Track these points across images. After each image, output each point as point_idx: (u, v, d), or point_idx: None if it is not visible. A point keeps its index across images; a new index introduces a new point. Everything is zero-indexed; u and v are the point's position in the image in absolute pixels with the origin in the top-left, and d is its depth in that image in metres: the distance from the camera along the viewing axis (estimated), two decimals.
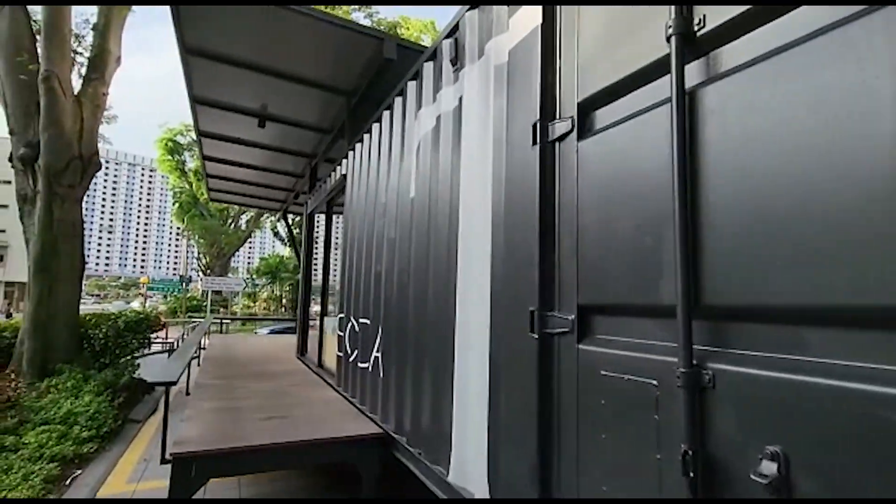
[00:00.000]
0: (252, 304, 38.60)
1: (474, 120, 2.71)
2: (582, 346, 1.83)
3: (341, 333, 5.36)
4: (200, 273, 39.74)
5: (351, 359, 4.89)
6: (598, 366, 1.74)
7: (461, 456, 2.61)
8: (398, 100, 4.10)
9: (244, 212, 39.42)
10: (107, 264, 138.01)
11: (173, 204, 37.77)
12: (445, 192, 3.05)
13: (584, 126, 1.93)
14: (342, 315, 5.40)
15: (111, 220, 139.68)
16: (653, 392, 1.51)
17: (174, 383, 3.22)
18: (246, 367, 7.04)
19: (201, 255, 40.05)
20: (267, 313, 36.96)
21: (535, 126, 2.10)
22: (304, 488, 4.61)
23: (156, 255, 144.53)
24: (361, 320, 4.61)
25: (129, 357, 8.45)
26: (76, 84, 8.02)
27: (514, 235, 2.21)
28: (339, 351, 5.40)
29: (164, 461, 3.21)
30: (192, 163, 36.28)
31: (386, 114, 4.40)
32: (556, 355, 1.95)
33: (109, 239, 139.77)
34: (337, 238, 8.63)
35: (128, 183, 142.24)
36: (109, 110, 10.63)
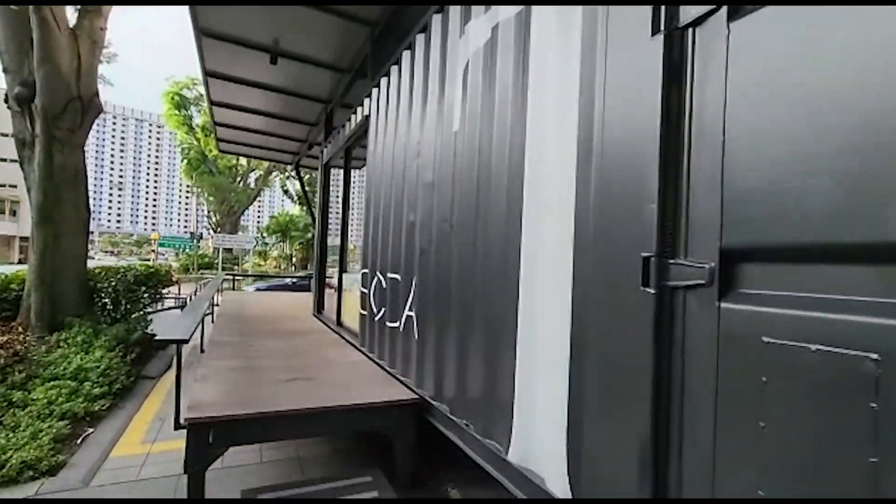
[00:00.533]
0: (263, 263, 38.64)
1: (551, 18, 2.16)
2: (726, 304, 1.36)
3: (365, 290, 4.96)
4: (211, 231, 39.67)
5: (377, 317, 4.50)
6: (756, 330, 1.28)
7: (527, 432, 2.21)
8: (436, 18, 3.51)
9: (253, 169, 38.90)
10: (118, 221, 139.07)
11: (182, 161, 37.31)
12: (503, 119, 2.53)
13: None
14: (366, 271, 4.98)
15: (121, 176, 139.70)
16: (870, 370, 1.05)
17: (186, 341, 2.86)
18: (262, 325, 6.72)
19: (211, 213, 39.87)
20: (278, 271, 37.04)
21: (656, 8, 1.56)
22: (332, 454, 4.32)
23: (166, 212, 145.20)
24: (390, 276, 4.18)
25: (140, 312, 8.18)
26: (72, 20, 7.40)
27: (617, 162, 1.71)
28: (363, 309, 5.02)
29: (178, 426, 2.86)
30: (199, 118, 35.56)
31: (420, 38, 3.81)
32: (682, 315, 1.48)
33: (120, 196, 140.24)
34: (356, 189, 8.16)
35: (136, 139, 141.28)
36: (109, 48, 9.97)
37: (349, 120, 6.22)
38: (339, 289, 6.62)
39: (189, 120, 35.81)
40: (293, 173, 39.07)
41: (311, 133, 9.61)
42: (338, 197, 8.30)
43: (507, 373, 2.35)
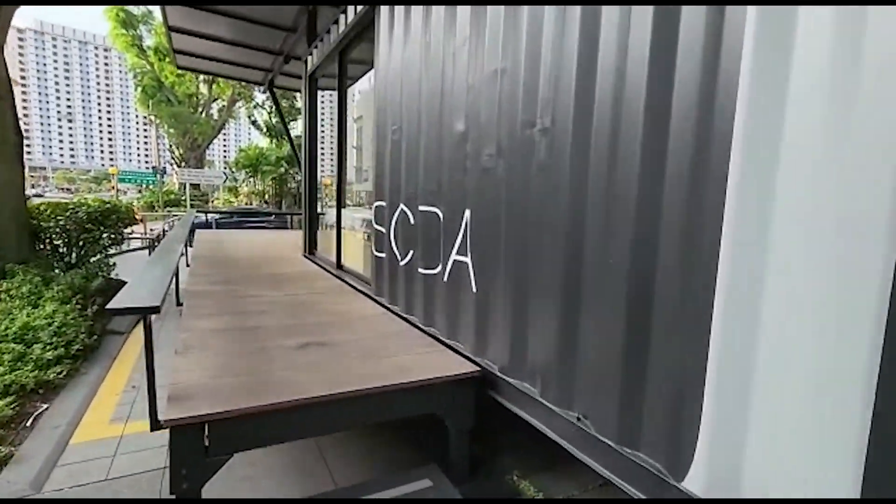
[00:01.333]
0: (233, 199, 36.74)
1: None
2: None
3: (381, 228, 3.99)
4: (174, 166, 37.20)
5: (403, 262, 3.58)
6: None
7: (734, 453, 1.39)
8: None
9: (215, 98, 35.91)
10: (72, 156, 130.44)
11: (135, 88, 34.08)
12: None
13: None
14: (381, 203, 3.99)
15: (69, 107, 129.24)
16: None
17: (157, 309, 1.92)
18: (247, 269, 5.73)
19: (173, 147, 37.19)
20: (248, 208, 35.34)
21: None
22: (370, 448, 3.53)
23: (124, 146, 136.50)
24: (423, 209, 3.22)
25: (101, 255, 7.04)
26: None
27: None
28: (378, 251, 4.08)
29: (155, 427, 1.96)
30: (150, 39, 32.12)
31: None
32: None
33: (71, 128, 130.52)
34: (355, 101, 6.91)
35: (81, 65, 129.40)
36: None
37: (343, 13, 4.94)
38: (339, 227, 5.62)
39: (139, 40, 32.37)
40: (261, 103, 36.31)
41: (286, 42, 8.11)
42: (330, 116, 7.09)
43: (690, 368, 1.50)
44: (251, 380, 2.35)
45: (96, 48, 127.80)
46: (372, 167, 4.20)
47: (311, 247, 6.79)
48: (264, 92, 11.44)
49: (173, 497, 1.93)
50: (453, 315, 2.87)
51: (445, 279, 2.94)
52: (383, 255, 3.97)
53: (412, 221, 3.41)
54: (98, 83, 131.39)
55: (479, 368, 2.59)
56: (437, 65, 3.02)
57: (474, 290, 2.62)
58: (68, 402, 3.74)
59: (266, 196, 36.52)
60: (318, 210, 6.93)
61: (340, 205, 5.60)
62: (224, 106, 36.39)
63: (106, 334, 5.43)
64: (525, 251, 2.26)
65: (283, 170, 33.36)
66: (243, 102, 36.77)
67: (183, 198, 30.83)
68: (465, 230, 2.72)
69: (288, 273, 5.56)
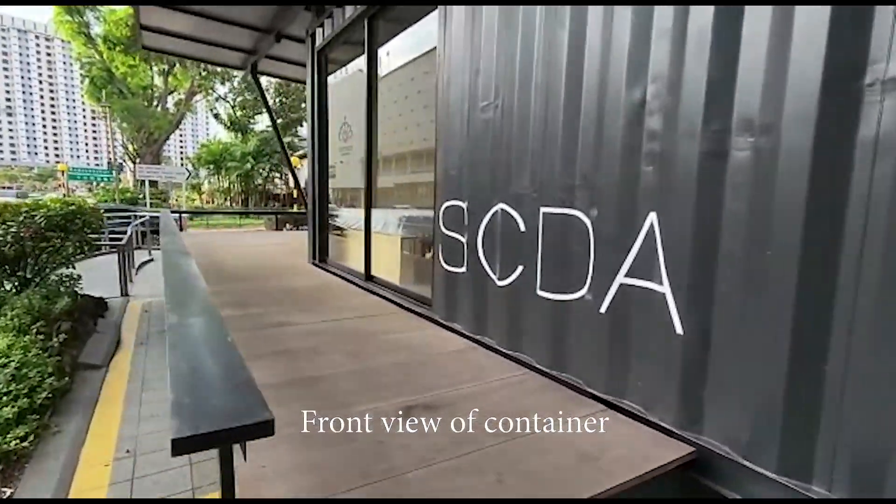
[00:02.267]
0: (196, 197, 34.65)
1: None
2: None
3: (455, 236, 3.10)
4: (129, 162, 34.74)
5: (503, 281, 2.69)
6: None
7: None
8: None
9: (172, 90, 33.60)
10: (13, 152, 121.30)
11: (83, 80, 31.52)
12: None
13: None
14: (454, 203, 3.10)
15: (8, 100, 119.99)
16: None
17: (268, 430, 1.02)
18: (256, 282, 4.70)
19: (127, 142, 34.71)
20: (215, 207, 33.41)
21: None
22: None
23: (71, 141, 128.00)
24: (551, 211, 2.34)
25: (64, 266, 5.80)
26: None
27: None
28: (450, 264, 3.18)
29: None
30: (99, 27, 29.70)
31: None
32: None
33: (11, 122, 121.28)
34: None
35: (21, 55, 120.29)
36: None
37: None
38: (368, 230, 4.66)
39: (86, 28, 29.93)
40: (223, 96, 34.24)
41: (277, 17, 7.01)
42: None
43: None
44: (353, 475, 1.44)
45: (37, 37, 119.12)
46: (440, 159, 3.28)
47: (320, 253, 5.78)
48: (245, 78, 10.18)
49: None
50: (624, 363, 2.03)
51: (603, 310, 2.08)
52: (460, 270, 3.08)
53: (522, 228, 2.54)
54: (40, 74, 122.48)
55: (691, 449, 1.76)
56: (580, 15, 2.15)
57: (679, 330, 1.78)
58: (38, 483, 2.68)
59: (231, 194, 34.57)
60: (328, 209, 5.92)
61: (370, 204, 4.64)
62: (181, 99, 34.09)
63: (79, 369, 4.30)
64: (786, 275, 1.45)
65: (249, 166, 31.58)
66: (203, 95, 34.58)
67: (140, 196, 28.65)
68: (651, 243, 1.87)
69: (307, 287, 4.57)
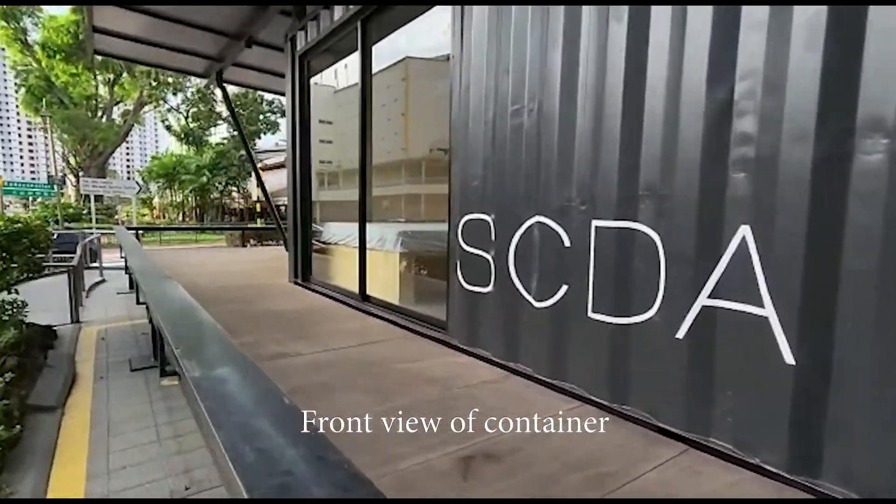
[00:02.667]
0: (146, 213, 32.86)
1: None
2: None
3: (478, 252, 2.81)
4: (70, 175, 32.63)
5: (543, 302, 2.41)
6: None
7: None
8: None
9: (118, 101, 31.89)
10: None
11: (18, 89, 29.50)
12: None
13: None
14: (476, 216, 2.82)
15: None
16: None
17: None
18: (238, 305, 4.23)
19: (69, 154, 32.67)
20: (168, 222, 31.78)
21: None
22: None
23: (2, 153, 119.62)
24: (606, 224, 2.10)
25: (6, 291, 5.10)
26: None
27: None
28: (471, 283, 2.88)
29: None
30: (37, 33, 27.98)
31: None
32: None
33: None
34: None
35: None
36: None
37: None
38: (363, 247, 4.30)
39: (23, 34, 28.16)
40: (175, 107, 32.79)
41: (249, 21, 6.58)
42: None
43: None
44: None
45: None
46: (456, 169, 2.99)
47: (303, 271, 5.35)
48: (207, 87, 9.58)
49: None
50: (707, 395, 1.78)
51: (680, 335, 1.84)
52: (485, 289, 2.78)
53: (567, 243, 2.28)
54: None
55: (810, 497, 1.52)
56: (642, 11, 1.94)
57: (788, 358, 1.56)
58: None
59: (185, 208, 33.01)
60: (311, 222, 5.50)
61: (365, 217, 4.29)
62: (129, 110, 32.37)
63: (29, 412, 3.69)
64: None
65: (205, 179, 30.28)
66: (153, 106, 32.97)
67: (84, 212, 26.76)
68: (743, 261, 1.65)
69: (297, 310, 4.15)
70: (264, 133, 35.20)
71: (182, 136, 32.93)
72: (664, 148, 1.88)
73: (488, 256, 2.76)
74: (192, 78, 31.42)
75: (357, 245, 4.58)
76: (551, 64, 2.32)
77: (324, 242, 5.34)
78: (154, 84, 29.70)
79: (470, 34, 2.82)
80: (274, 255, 8.70)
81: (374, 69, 4.39)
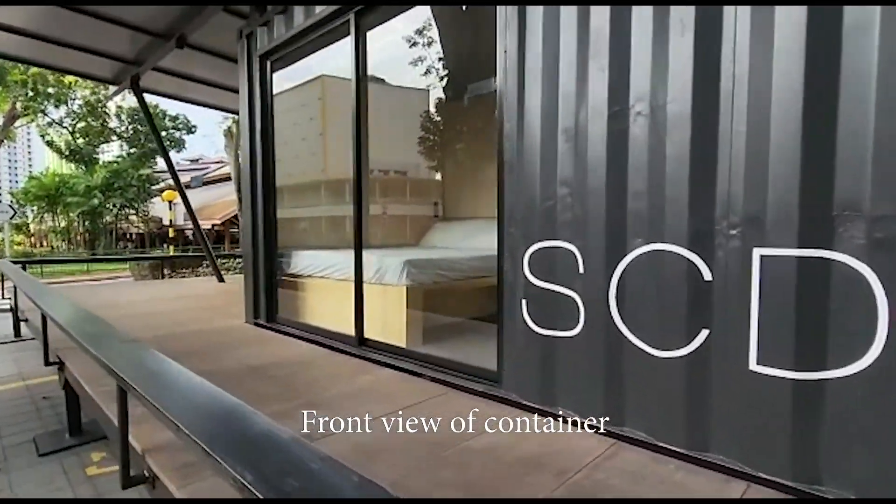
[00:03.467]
0: (23, 240, 28.35)
1: None
2: None
3: (561, 289, 2.25)
4: None
5: (678, 351, 1.89)
6: None
7: None
8: None
9: None
10: None
11: None
12: None
13: None
14: (550, 244, 2.27)
15: None
16: None
17: None
18: (207, 358, 3.25)
19: None
20: (47, 252, 27.57)
21: None
22: None
23: None
24: (801, 255, 1.64)
25: None
26: None
27: None
28: (546, 325, 2.31)
29: None
30: None
31: None
32: None
33: None
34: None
35: None
36: None
37: None
38: (359, 278, 3.54)
39: None
40: (58, 120, 28.76)
41: (184, 18, 5.57)
42: (309, 116, 4.93)
43: None
44: None
45: None
46: (511, 187, 2.42)
47: (268, 309, 4.41)
48: (114, 95, 8.16)
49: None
50: None
51: None
52: (567, 333, 2.22)
53: (708, 276, 1.80)
54: None
55: None
56: None
57: None
58: None
59: (71, 234, 28.87)
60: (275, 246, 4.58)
61: (361, 242, 3.54)
62: None
63: None
64: None
65: (96, 202, 26.71)
66: (28, 119, 28.64)
67: None
68: None
69: (282, 363, 3.27)
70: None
71: (67, 153, 28.96)
72: (876, 153, 1.47)
73: (572, 293, 2.21)
74: (79, 89, 27.89)
75: (345, 276, 3.82)
76: (676, 54, 1.86)
77: (293, 275, 4.47)
78: (31, 94, 25.84)
79: (536, 26, 2.30)
80: (207, 289, 7.46)
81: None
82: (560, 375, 2.28)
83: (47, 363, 3.67)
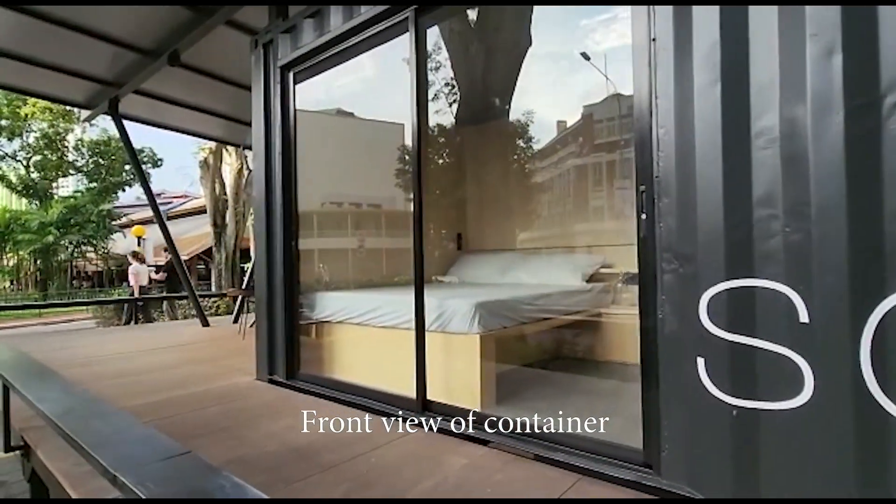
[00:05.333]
0: None
1: None
2: None
3: (767, 345, 1.63)
4: None
5: None
6: None
7: None
8: None
9: None
10: None
11: None
12: None
13: None
14: (747, 283, 1.66)
15: None
16: None
17: None
18: (219, 438, 2.42)
19: None
20: None
21: None
22: None
23: None
24: None
25: None
26: None
27: None
28: (741, 393, 1.68)
29: None
30: None
31: None
32: None
33: None
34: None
35: None
36: None
37: None
38: (420, 326, 2.81)
39: None
40: (12, 154, 26.76)
41: (179, 30, 4.87)
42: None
43: None
44: None
45: None
46: (670, 208, 1.83)
47: (288, 364, 3.59)
48: (89, 119, 7.21)
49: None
50: None
51: None
52: (780, 405, 1.59)
53: None
54: None
55: None
56: None
57: None
58: None
59: (21, 274, 26.47)
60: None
61: (422, 282, 2.84)
62: None
63: None
64: None
65: (51, 238, 24.64)
66: None
67: None
68: None
69: (333, 441, 2.48)
70: (130, 185, 30.39)
71: (21, 188, 26.88)
72: None
73: (788, 351, 1.60)
74: (36, 121, 26.14)
75: (392, 323, 3.10)
76: None
77: (317, 321, 3.69)
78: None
79: (708, 8, 1.76)
80: (193, 336, 6.46)
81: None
82: (770, 461, 1.64)
83: (7, 449, 2.73)
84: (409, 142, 2.85)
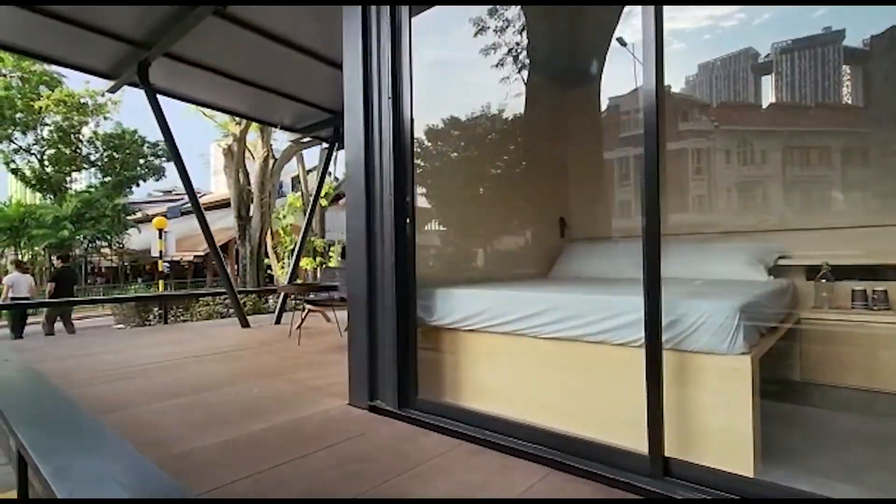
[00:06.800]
0: None
1: None
2: None
3: None
4: None
5: None
6: None
7: None
8: None
9: None
10: None
11: None
12: None
13: None
14: None
15: None
16: None
17: None
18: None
19: None
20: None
21: None
22: None
23: None
24: None
25: None
26: None
27: None
28: None
29: None
30: None
31: None
32: None
33: None
34: None
35: None
36: None
37: None
38: (655, 341, 1.81)
39: None
40: (26, 147, 25.95)
41: None
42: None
43: None
44: None
45: None
46: None
47: (401, 387, 2.59)
48: (115, 89, 6.23)
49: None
50: None
51: None
52: None
53: None
54: None
55: None
56: None
57: None
58: None
59: (36, 268, 25.67)
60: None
61: (658, 271, 1.82)
62: None
63: None
64: None
65: (66, 233, 23.85)
66: None
67: None
68: None
69: None
70: (144, 180, 29.61)
71: (35, 182, 26.12)
72: None
73: None
74: (50, 114, 25.32)
75: (577, 333, 2.10)
76: None
77: (443, 327, 2.69)
78: None
79: None
80: (236, 339, 5.47)
81: None
82: None
83: None
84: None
